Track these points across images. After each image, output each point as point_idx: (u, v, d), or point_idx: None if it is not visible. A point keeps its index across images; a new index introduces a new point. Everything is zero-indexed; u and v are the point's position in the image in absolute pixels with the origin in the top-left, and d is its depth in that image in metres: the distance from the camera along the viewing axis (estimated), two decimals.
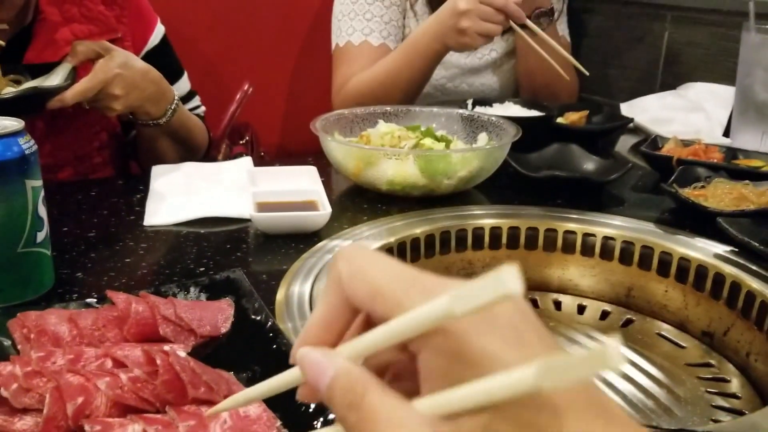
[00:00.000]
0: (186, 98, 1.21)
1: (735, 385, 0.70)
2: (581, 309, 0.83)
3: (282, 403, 0.47)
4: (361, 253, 0.30)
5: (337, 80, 1.35)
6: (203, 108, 1.26)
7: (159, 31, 1.16)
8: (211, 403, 0.48)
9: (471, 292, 0.25)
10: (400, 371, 0.30)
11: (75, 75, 0.93)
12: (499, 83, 1.47)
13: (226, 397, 0.49)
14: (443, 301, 0.25)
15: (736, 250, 0.78)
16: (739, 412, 0.64)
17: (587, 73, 1.23)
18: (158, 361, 0.49)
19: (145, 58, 1.11)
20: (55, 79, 0.92)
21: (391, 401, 0.27)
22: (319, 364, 0.28)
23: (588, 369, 0.23)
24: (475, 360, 0.26)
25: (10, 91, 0.87)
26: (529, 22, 1.19)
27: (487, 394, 0.25)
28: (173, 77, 1.18)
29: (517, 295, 0.23)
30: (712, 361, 0.73)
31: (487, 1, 1.12)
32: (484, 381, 0.25)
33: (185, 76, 1.21)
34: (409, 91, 1.27)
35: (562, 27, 1.48)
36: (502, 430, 0.25)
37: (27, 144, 0.60)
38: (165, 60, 1.16)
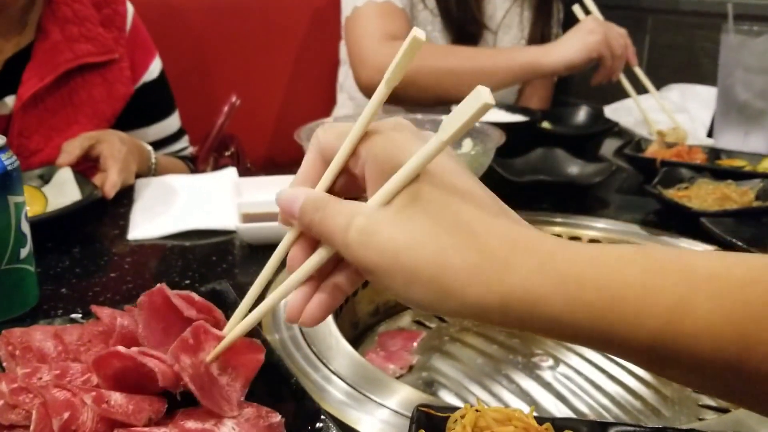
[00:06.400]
0: (175, 136, 1.23)
1: None
2: None
3: (284, 406, 0.48)
4: (335, 124, 0.39)
5: (373, 32, 1.29)
6: (191, 149, 1.27)
7: (157, 65, 1.18)
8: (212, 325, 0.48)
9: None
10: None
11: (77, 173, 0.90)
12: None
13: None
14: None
15: (720, 249, 0.78)
16: (725, 411, 0.65)
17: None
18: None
19: (143, 88, 1.13)
20: (66, 187, 0.86)
21: (346, 202, 0.37)
22: (292, 195, 0.38)
23: (469, 111, 0.32)
24: (403, 152, 0.35)
25: (56, 207, 0.81)
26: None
27: (410, 169, 0.34)
28: (166, 112, 1.21)
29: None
30: None
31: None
32: (406, 164, 0.35)
33: (177, 113, 1.23)
34: (459, 95, 1.26)
35: None
36: (425, 191, 0.34)
37: (9, 160, 0.60)
38: (161, 94, 1.19)
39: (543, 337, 0.35)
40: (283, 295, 0.40)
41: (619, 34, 1.30)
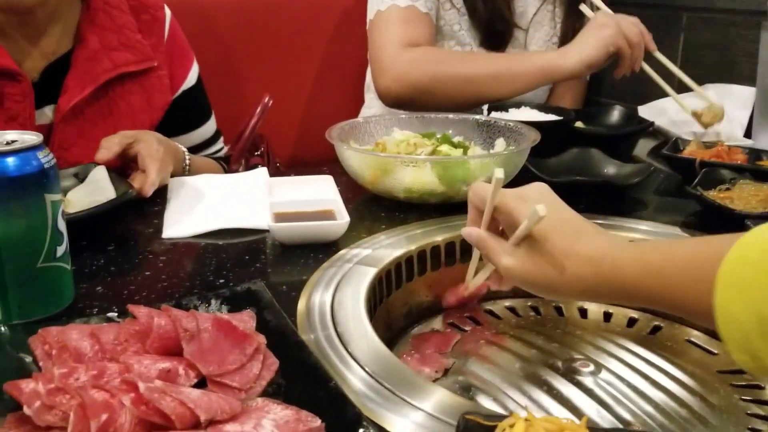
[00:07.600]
0: (212, 139, 1.23)
1: None
2: (607, 316, 0.82)
3: (323, 410, 0.47)
4: (479, 186, 0.63)
5: (393, 39, 1.28)
6: (225, 149, 1.27)
7: (195, 71, 1.17)
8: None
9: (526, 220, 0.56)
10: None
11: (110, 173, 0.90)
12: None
13: None
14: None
15: None
16: None
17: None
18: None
19: (182, 97, 1.12)
20: (101, 186, 0.87)
21: (497, 240, 0.61)
22: (468, 231, 0.63)
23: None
24: (517, 217, 0.58)
25: (90, 206, 0.81)
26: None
27: (520, 234, 0.57)
28: (204, 117, 1.20)
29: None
30: None
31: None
32: (518, 230, 0.57)
33: (213, 117, 1.22)
34: (479, 102, 1.27)
35: None
36: (535, 244, 0.57)
37: (46, 158, 0.60)
38: (199, 100, 1.18)
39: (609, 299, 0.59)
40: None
41: (631, 23, 1.26)
